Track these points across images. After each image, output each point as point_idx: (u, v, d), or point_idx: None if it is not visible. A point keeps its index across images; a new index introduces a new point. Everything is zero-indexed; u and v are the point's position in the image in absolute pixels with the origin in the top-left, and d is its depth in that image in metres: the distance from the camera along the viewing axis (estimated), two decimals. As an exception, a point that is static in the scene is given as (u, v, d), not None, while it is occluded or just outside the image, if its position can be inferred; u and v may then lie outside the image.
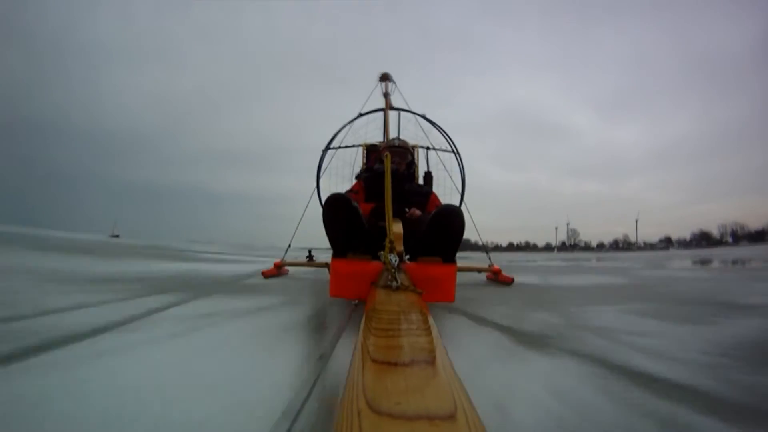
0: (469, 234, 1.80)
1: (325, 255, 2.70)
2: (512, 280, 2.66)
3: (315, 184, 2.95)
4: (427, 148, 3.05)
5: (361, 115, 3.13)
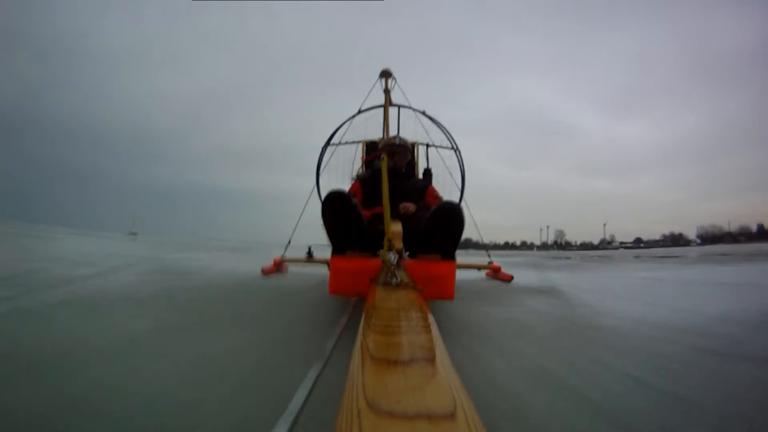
0: (469, 232, 1.81)
1: (322, 252, 2.70)
2: (512, 278, 2.66)
3: (315, 182, 2.93)
4: (427, 145, 3.03)
5: (360, 111, 3.11)
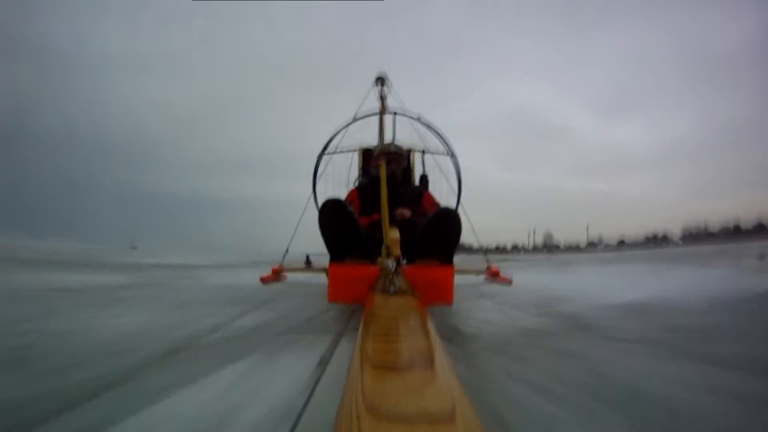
0: (466, 237, 1.81)
1: (319, 261, 2.68)
2: (511, 282, 2.65)
3: (311, 190, 2.93)
4: (423, 152, 3.04)
5: (356, 119, 3.13)
